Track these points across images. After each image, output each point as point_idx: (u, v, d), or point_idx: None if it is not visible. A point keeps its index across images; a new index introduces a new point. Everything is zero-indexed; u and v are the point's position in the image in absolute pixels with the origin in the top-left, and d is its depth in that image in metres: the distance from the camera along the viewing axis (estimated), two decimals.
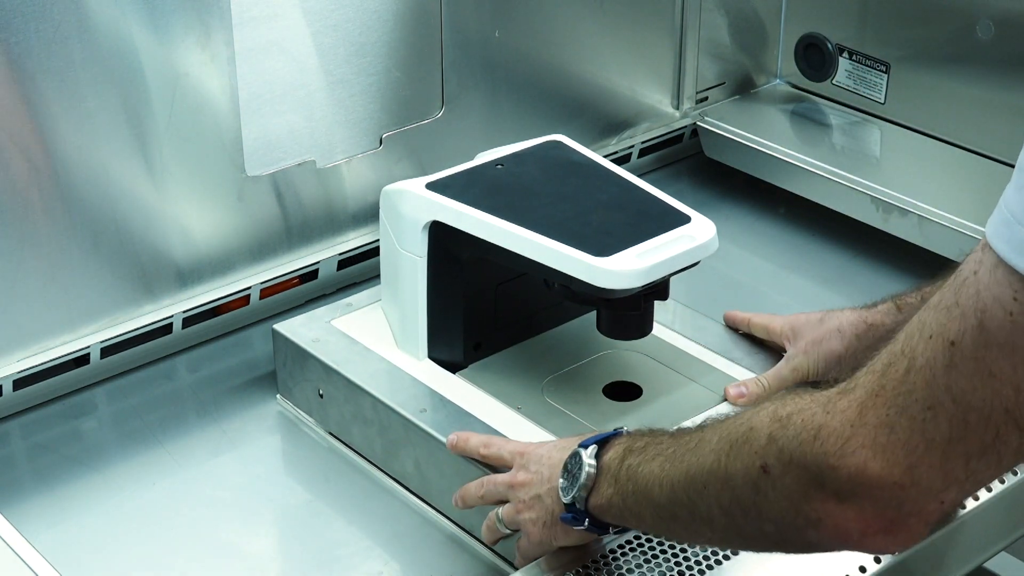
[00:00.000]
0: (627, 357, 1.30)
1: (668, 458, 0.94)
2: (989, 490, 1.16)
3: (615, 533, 1.05)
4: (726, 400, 1.23)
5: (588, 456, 1.01)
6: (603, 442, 1.02)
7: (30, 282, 1.29)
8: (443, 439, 1.18)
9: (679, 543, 1.07)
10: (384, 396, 1.24)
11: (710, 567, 1.06)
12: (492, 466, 1.14)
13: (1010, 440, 0.77)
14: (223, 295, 1.42)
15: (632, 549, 1.07)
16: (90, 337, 1.34)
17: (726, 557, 1.07)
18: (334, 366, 1.28)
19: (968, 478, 0.79)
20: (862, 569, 1.08)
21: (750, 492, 0.86)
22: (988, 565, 1.57)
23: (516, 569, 1.10)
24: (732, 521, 0.89)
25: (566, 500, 1.02)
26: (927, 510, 0.80)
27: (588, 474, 1.01)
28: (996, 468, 0.80)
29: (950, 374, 0.77)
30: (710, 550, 1.07)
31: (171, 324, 1.39)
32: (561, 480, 1.03)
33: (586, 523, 1.02)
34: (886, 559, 1.09)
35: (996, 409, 0.76)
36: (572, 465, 1.03)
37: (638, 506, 0.97)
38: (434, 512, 1.22)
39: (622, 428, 1.04)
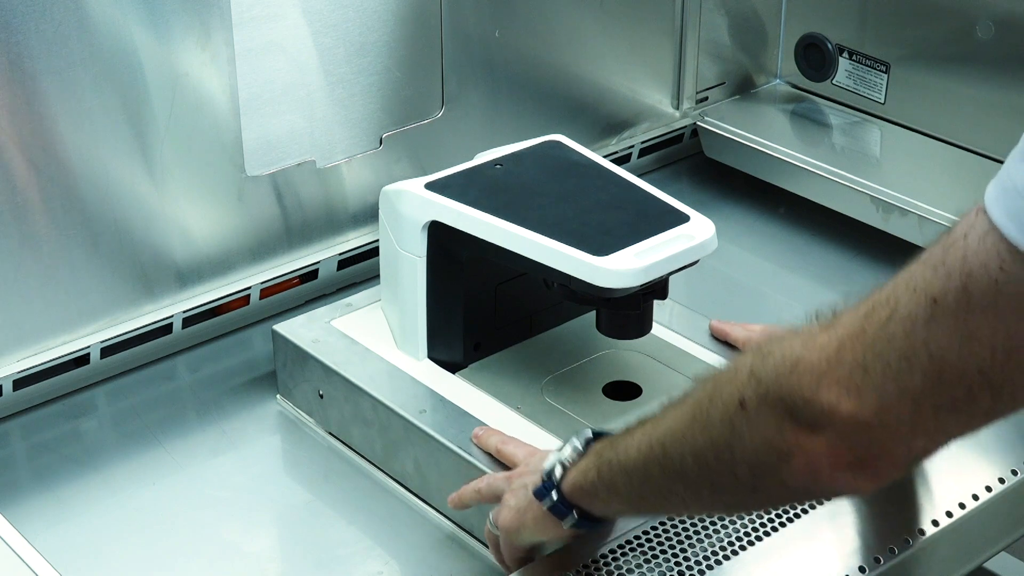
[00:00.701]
0: (627, 357, 1.30)
1: (651, 423, 0.95)
2: (989, 490, 1.17)
3: (573, 526, 1.03)
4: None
5: (578, 437, 1.02)
6: (602, 433, 1.03)
7: (30, 282, 1.29)
8: (443, 440, 1.18)
9: (650, 514, 1.07)
10: (384, 397, 1.24)
11: (710, 567, 1.06)
12: (502, 466, 1.14)
13: (982, 400, 0.78)
14: (223, 295, 1.42)
15: (632, 549, 1.07)
16: (90, 337, 1.34)
17: (726, 557, 1.07)
18: (334, 367, 1.28)
19: (938, 429, 0.81)
20: (861, 569, 1.08)
21: (726, 432, 0.86)
22: (988, 565, 1.57)
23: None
24: (704, 469, 0.89)
25: (544, 469, 1.03)
26: (895, 453, 0.81)
27: (573, 447, 1.02)
28: (966, 426, 0.81)
29: (929, 329, 0.78)
30: (710, 550, 1.07)
31: (171, 324, 1.39)
32: (546, 463, 1.04)
33: (553, 496, 1.01)
34: (886, 559, 1.09)
35: (971, 369, 0.77)
36: (560, 447, 1.03)
37: (611, 475, 0.97)
38: (434, 512, 1.22)
39: None
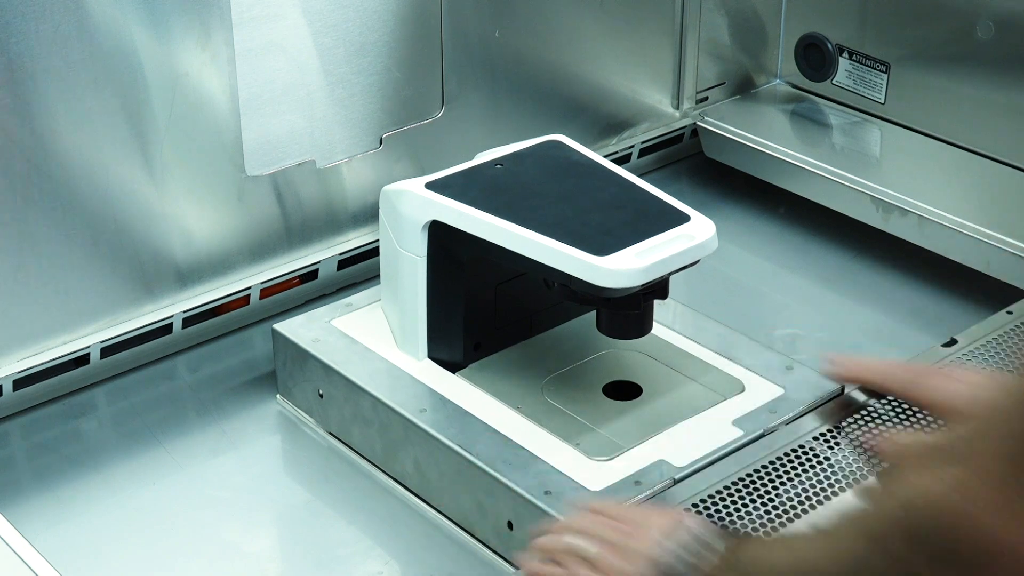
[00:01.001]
0: (627, 356, 1.30)
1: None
2: None
3: None
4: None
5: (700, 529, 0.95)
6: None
7: (30, 282, 1.29)
8: (443, 439, 1.18)
9: None
10: (384, 396, 1.24)
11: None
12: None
13: None
14: (223, 295, 1.42)
15: None
16: (90, 337, 1.34)
17: None
18: (334, 366, 1.28)
19: None
20: None
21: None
22: None
23: (516, 569, 1.10)
24: None
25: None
26: None
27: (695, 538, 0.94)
28: None
29: None
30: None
31: (171, 324, 1.39)
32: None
33: None
34: None
35: None
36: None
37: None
38: (434, 512, 1.22)
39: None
